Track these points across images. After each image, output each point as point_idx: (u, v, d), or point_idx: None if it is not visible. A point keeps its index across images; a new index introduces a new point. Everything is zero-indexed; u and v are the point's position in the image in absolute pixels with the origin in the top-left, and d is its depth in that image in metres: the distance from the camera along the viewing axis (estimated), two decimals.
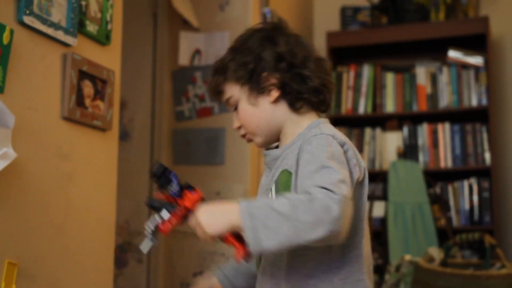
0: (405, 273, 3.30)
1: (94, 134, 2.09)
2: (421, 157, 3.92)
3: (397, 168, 3.70)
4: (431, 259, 3.12)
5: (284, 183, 1.32)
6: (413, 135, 3.95)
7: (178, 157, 3.28)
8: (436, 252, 3.13)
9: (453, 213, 3.84)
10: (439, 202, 3.77)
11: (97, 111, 2.06)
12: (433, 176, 3.83)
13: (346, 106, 4.04)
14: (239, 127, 1.42)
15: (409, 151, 3.94)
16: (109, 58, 2.15)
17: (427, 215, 3.66)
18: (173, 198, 1.32)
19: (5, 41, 1.65)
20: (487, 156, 3.79)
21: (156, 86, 3.30)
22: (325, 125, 1.37)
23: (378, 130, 4.01)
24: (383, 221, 3.67)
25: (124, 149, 3.21)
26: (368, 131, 4.02)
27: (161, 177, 1.33)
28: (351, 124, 4.06)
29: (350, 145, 1.32)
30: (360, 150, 4.00)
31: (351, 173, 1.28)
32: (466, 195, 3.84)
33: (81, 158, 2.04)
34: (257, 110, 1.38)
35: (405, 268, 3.31)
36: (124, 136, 3.28)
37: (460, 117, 3.90)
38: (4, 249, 1.71)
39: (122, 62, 2.27)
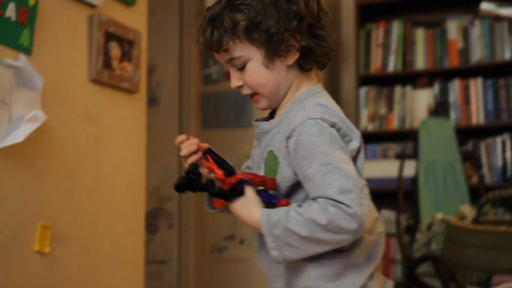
0: (436, 231, 3.27)
1: (122, 96, 2.07)
2: (452, 114, 3.84)
3: (428, 126, 3.64)
4: (463, 217, 3.08)
5: (270, 166, 1.28)
6: (444, 91, 3.87)
7: (206, 121, 3.26)
8: (468, 210, 3.09)
9: (485, 170, 3.78)
10: (471, 159, 3.71)
11: (125, 73, 2.04)
12: (465, 133, 3.76)
13: (375, 64, 3.96)
14: (240, 86, 1.30)
15: (440, 108, 3.86)
16: (135, 19, 2.11)
17: (459, 173, 3.60)
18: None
19: (31, 2, 1.62)
20: None
21: (183, 50, 3.27)
22: (314, 98, 1.29)
23: (408, 88, 3.93)
24: (414, 180, 3.62)
25: (153, 114, 3.20)
26: (398, 89, 3.95)
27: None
28: (380, 82, 3.99)
29: (342, 122, 1.25)
30: (390, 108, 3.94)
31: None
32: (499, 152, 3.76)
33: (110, 121, 2.02)
34: (272, 73, 1.27)
35: (437, 226, 3.28)
36: (152, 101, 3.26)
37: (493, 71, 3.80)
38: (37, 212, 1.71)
39: (148, 26, 2.23)
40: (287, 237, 1.18)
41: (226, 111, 3.20)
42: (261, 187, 1.27)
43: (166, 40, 3.27)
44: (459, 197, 3.55)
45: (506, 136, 3.74)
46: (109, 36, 1.94)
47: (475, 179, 3.67)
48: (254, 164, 1.37)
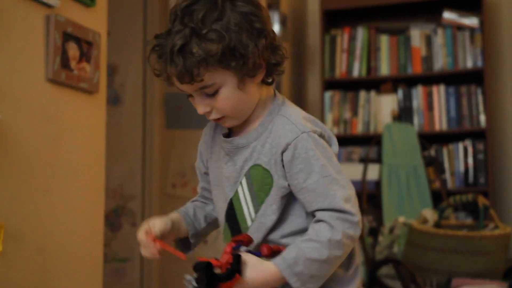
0: (398, 234, 3.31)
1: (80, 96, 2.08)
2: (415, 120, 3.91)
3: (392, 131, 3.69)
4: (425, 221, 3.13)
5: (260, 180, 1.27)
6: (407, 97, 3.94)
7: (170, 122, 3.28)
8: (430, 214, 3.13)
9: (447, 175, 3.85)
10: (433, 164, 3.77)
11: (83, 74, 2.05)
12: (428, 139, 3.82)
13: (340, 69, 4.02)
14: (209, 112, 1.26)
15: (403, 114, 3.93)
16: (94, 20, 2.13)
17: (421, 178, 3.66)
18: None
19: None
20: (482, 118, 3.78)
21: (147, 50, 3.28)
22: (288, 108, 1.30)
23: (372, 93, 3.99)
24: (378, 183, 3.67)
25: (116, 114, 3.21)
26: (362, 94, 4.00)
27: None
28: (345, 87, 4.05)
29: (325, 130, 1.29)
30: (355, 113, 4.00)
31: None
32: (461, 157, 3.84)
33: (68, 121, 2.03)
34: (244, 95, 1.25)
35: (399, 229, 3.32)
36: (115, 100, 3.27)
37: (455, 79, 3.88)
38: None
39: (112, 26, 2.25)
40: (309, 269, 1.19)
41: (190, 112, 3.21)
42: (243, 249, 1.24)
43: (129, 40, 3.28)
44: (421, 201, 3.60)
45: (468, 142, 3.82)
46: (67, 37, 1.96)
47: (437, 184, 3.74)
48: (220, 179, 1.35)
